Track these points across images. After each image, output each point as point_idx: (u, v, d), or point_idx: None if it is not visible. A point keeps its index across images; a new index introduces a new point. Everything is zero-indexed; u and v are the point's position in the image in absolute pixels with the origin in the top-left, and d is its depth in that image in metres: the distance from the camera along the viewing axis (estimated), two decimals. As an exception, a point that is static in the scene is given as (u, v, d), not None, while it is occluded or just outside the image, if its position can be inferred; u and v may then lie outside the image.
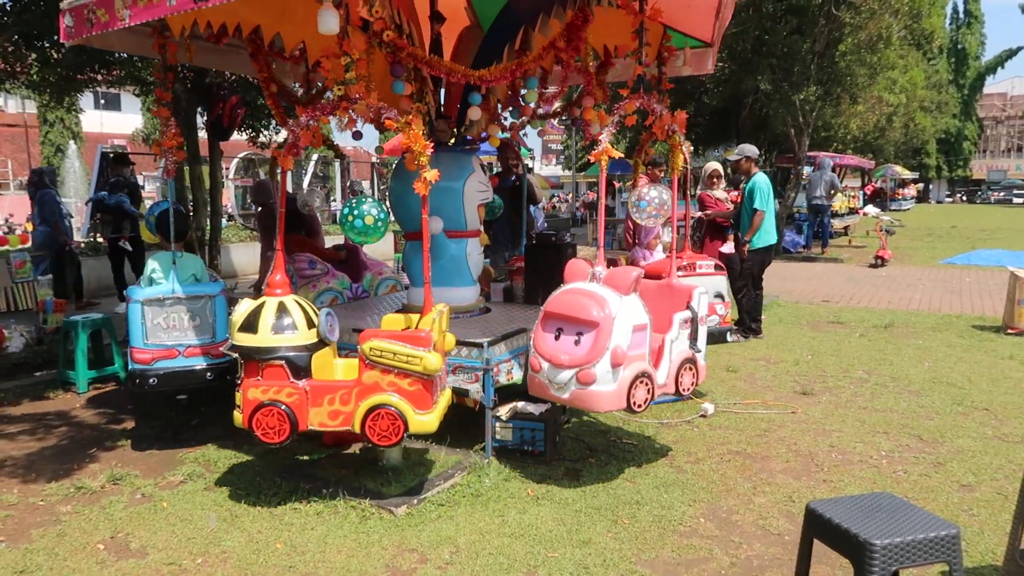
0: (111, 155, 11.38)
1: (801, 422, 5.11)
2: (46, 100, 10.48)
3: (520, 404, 4.52)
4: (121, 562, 3.29)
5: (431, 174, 3.67)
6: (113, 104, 34.36)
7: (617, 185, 24.71)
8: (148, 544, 3.46)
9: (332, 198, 20.15)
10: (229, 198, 18.06)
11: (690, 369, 4.32)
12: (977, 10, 54.74)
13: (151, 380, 4.57)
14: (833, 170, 17.49)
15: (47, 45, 7.85)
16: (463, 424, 4.63)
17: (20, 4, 7.67)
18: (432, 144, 3.75)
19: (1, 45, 7.89)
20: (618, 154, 4.18)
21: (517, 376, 4.59)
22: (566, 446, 4.61)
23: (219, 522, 3.66)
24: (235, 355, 3.91)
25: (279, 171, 3.95)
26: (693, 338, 4.36)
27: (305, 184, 19.10)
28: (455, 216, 5.08)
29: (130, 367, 4.65)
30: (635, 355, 3.90)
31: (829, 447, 4.65)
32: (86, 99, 25.59)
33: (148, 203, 11.25)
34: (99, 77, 8.99)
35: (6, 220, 23.74)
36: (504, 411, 4.47)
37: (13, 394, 5.91)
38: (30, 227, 22.91)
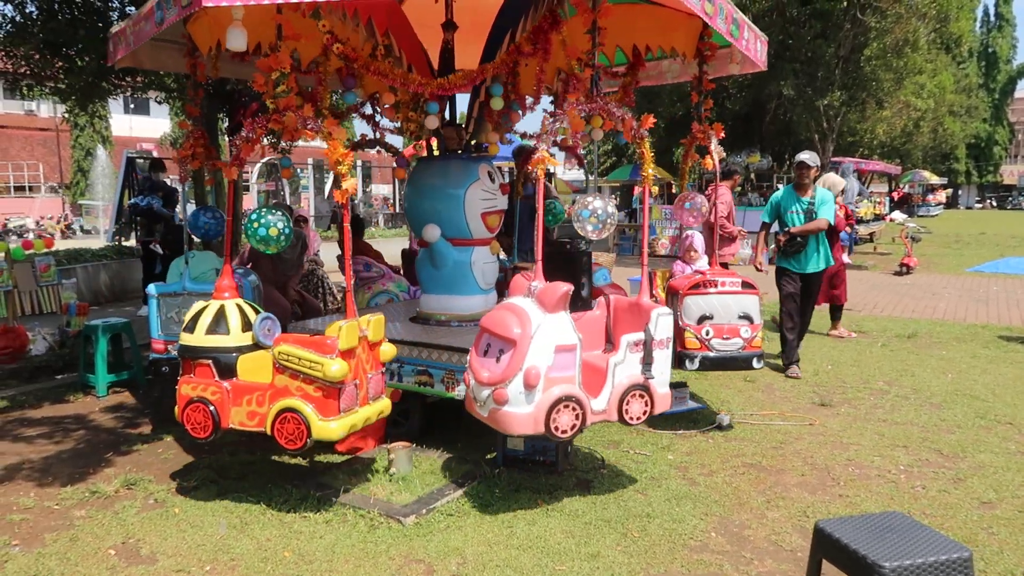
0: (146, 160, 11.52)
1: (818, 435, 5.04)
2: (71, 107, 10.64)
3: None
4: (131, 568, 3.32)
5: (349, 183, 3.80)
6: (142, 109, 34.90)
7: (636, 192, 24.60)
8: (158, 550, 3.48)
9: (353, 201, 20.25)
10: (252, 202, 18.25)
11: (641, 396, 3.88)
12: (1009, 13, 53.90)
13: (163, 368, 4.91)
14: (856, 175, 17.31)
15: (72, 52, 7.98)
16: (474, 433, 4.62)
17: (45, 13, 7.80)
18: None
19: (27, 52, 8.03)
20: (555, 163, 4.17)
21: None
22: (577, 456, 4.58)
23: (229, 529, 3.67)
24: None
25: (227, 182, 4.23)
26: (646, 363, 3.90)
27: (327, 190, 19.24)
28: (457, 223, 5.09)
29: (150, 356, 5.05)
30: (558, 377, 3.65)
31: (846, 461, 4.57)
32: (116, 104, 26.10)
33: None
34: (123, 84, 9.10)
35: (38, 223, 24.22)
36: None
37: (35, 397, 6.00)
38: (61, 229, 23.37)
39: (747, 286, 5.10)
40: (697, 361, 5.02)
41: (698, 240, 6.02)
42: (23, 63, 8.27)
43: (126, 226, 11.49)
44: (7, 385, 6.28)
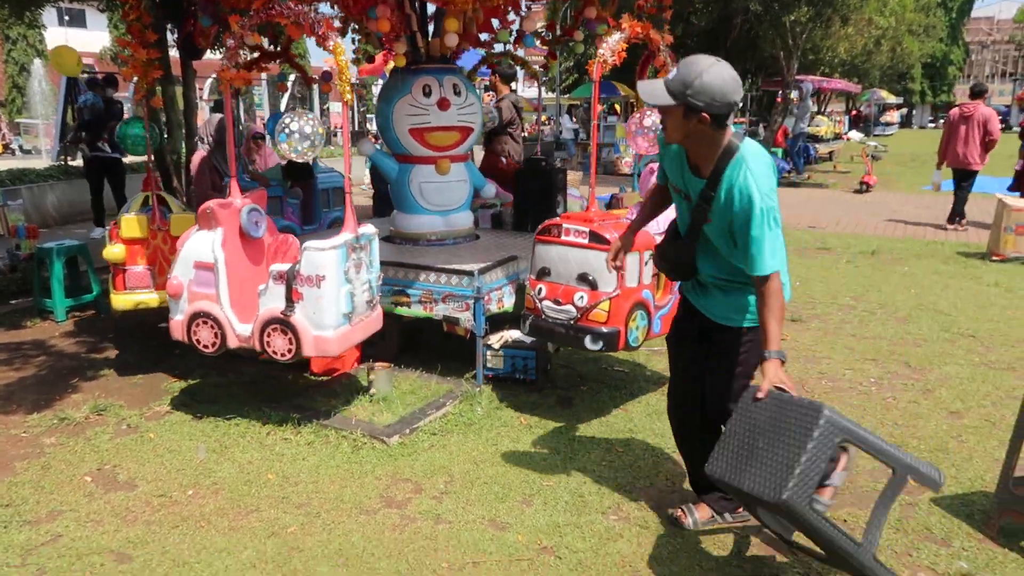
0: (90, 76, 10.88)
1: (790, 349, 5.10)
2: (4, 15, 9.91)
3: (511, 332, 4.45)
4: (110, 494, 3.24)
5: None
6: (78, 20, 32.86)
7: (600, 109, 24.22)
8: (137, 475, 3.40)
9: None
10: (203, 119, 17.50)
11: (284, 333, 3.69)
12: (970, -71, 53.32)
13: None
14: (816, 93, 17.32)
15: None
16: (454, 353, 4.58)
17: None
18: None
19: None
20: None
21: (508, 304, 4.52)
22: (558, 374, 4.58)
23: (208, 453, 3.61)
24: None
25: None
26: (289, 299, 3.66)
27: (283, 106, 18.55)
28: (390, 139, 5.06)
29: None
30: (199, 292, 3.82)
31: (819, 374, 4.66)
32: (49, 15, 24.42)
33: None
34: (60, -10, 8.48)
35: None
36: (495, 339, 4.41)
37: (-12, 323, 5.76)
38: (-3, 150, 22.19)
39: (597, 238, 3.68)
40: (528, 324, 3.96)
41: None
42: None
43: (72, 144, 10.91)
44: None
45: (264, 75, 19.49)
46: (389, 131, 5.04)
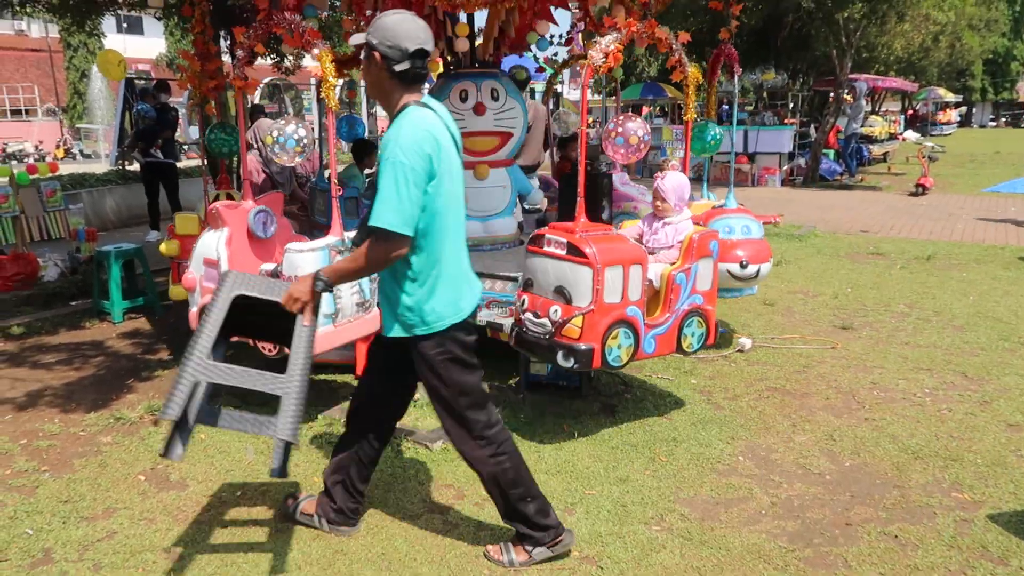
0: (148, 82, 11.24)
1: (841, 358, 5.00)
2: (67, 24, 10.27)
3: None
4: (162, 493, 3.33)
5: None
6: (136, 28, 33.86)
7: (646, 111, 24.01)
8: (188, 476, 3.49)
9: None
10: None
11: None
12: (1035, -81, 51.39)
13: None
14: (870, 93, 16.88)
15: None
16: (496, 359, 4.58)
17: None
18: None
19: (19, -34, 7.69)
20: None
21: (552, 310, 4.50)
22: (601, 381, 4.56)
23: (256, 454, 3.68)
24: None
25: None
26: None
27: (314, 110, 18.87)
28: None
29: None
30: (208, 287, 4.00)
31: (871, 384, 4.55)
32: (108, 23, 25.16)
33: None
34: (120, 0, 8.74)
35: (36, 147, 23.85)
36: (538, 345, 4.39)
37: (51, 323, 5.97)
38: (60, 154, 23.01)
39: (575, 251, 3.50)
40: (513, 336, 3.84)
41: (670, 182, 4.02)
42: (14, -22, 7.94)
43: (128, 150, 11.27)
44: (22, 312, 6.25)
45: (313, 79, 19.85)
46: None
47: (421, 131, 2.42)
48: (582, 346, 3.48)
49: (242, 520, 3.11)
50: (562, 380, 4.35)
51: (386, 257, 2.43)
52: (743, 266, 4.64)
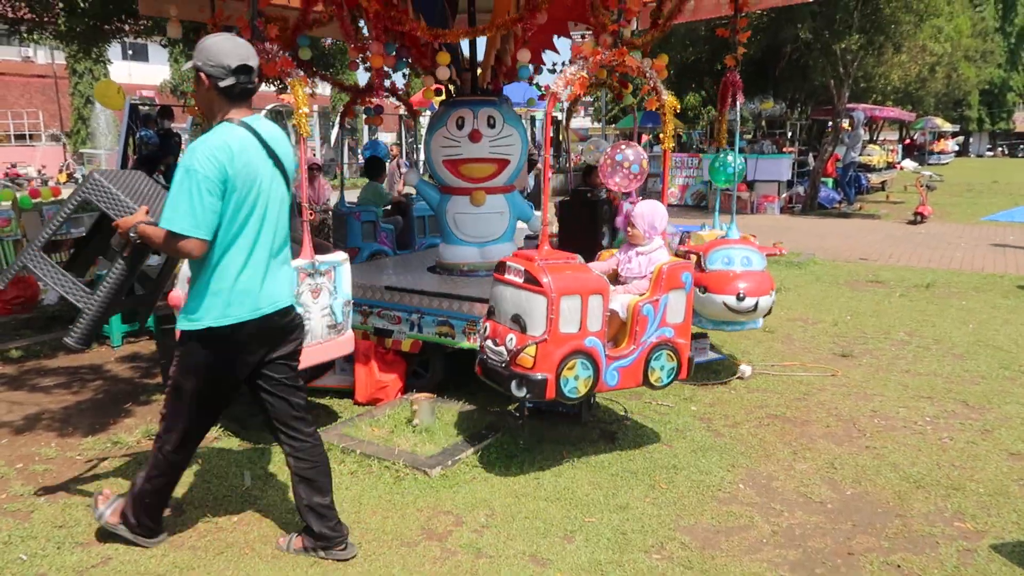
0: (151, 107, 11.34)
1: (841, 385, 4.99)
2: (74, 51, 10.39)
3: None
4: (158, 519, 3.30)
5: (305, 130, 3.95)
6: (141, 55, 34.20)
7: (645, 139, 24.18)
8: (185, 501, 3.46)
9: (359, 150, 20.06)
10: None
11: None
12: (1028, -47, 52.17)
13: None
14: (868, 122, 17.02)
15: (73, -6, 7.74)
16: (496, 384, 4.58)
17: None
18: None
19: (28, -6, 7.80)
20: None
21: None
22: (600, 407, 4.54)
23: (253, 480, 3.66)
24: None
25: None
26: None
27: (333, 137, 19.00)
28: (431, 169, 5.22)
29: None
30: None
31: (871, 412, 4.53)
32: (113, 50, 25.46)
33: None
34: (126, 27, 8.85)
35: (39, 172, 23.99)
36: (538, 371, 4.38)
37: (49, 347, 5.97)
38: (63, 178, 23.15)
39: (531, 279, 3.43)
40: (478, 363, 3.77)
41: (642, 209, 3.98)
42: (22, 5, 8.03)
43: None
44: (21, 335, 6.25)
45: (316, 106, 20.06)
46: (429, 162, 5.23)
47: (219, 143, 2.59)
48: (535, 376, 3.40)
49: (239, 545, 3.08)
50: (561, 406, 4.33)
51: (176, 253, 2.70)
52: (740, 298, 4.50)
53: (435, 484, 3.58)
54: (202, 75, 2.64)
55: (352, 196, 7.26)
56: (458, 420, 4.29)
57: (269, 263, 2.79)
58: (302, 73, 3.95)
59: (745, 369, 5.14)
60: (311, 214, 6.84)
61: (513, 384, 3.45)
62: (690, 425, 4.31)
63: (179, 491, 3.54)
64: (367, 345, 4.68)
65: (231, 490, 3.56)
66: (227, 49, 2.63)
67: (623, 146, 4.17)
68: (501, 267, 3.68)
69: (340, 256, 4.07)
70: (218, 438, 4.16)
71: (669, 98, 4.05)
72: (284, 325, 2.88)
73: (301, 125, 3.87)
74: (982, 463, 3.83)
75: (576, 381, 3.47)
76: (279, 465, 3.80)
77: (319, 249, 6.58)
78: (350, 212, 6.40)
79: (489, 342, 3.63)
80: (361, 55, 4.99)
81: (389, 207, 7.37)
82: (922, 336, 6.15)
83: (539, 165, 6.88)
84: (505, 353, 3.48)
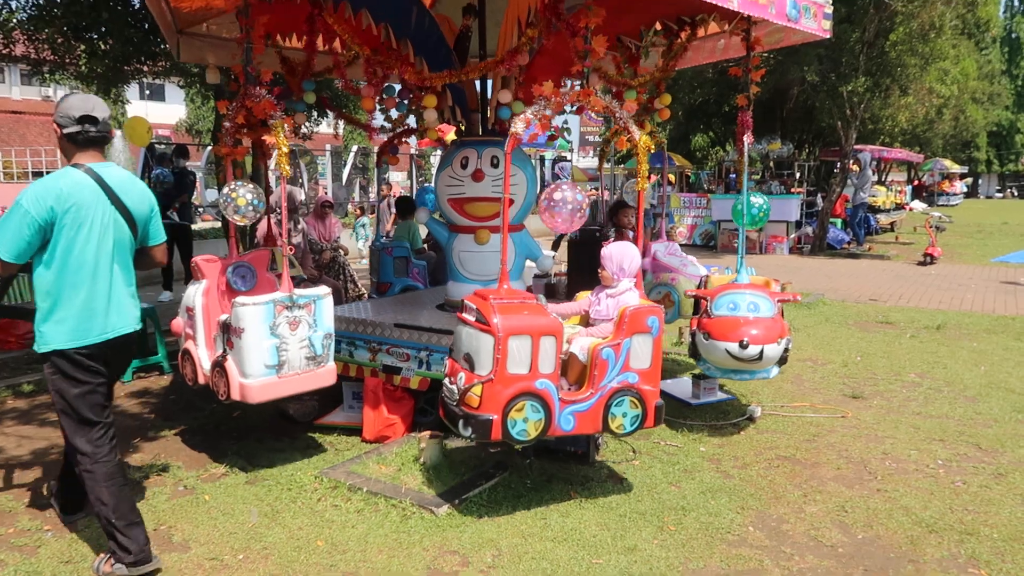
0: (168, 146, 11.56)
1: (852, 427, 4.95)
2: (94, 91, 10.61)
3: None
4: (164, 555, 3.29)
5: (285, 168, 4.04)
6: (158, 95, 34.89)
7: (652, 179, 24.35)
8: (190, 537, 3.46)
9: (371, 189, 20.27)
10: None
11: (221, 375, 3.98)
12: (1033, -3, 52.84)
13: None
14: (876, 163, 17.11)
15: (95, 37, 7.94)
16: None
17: (69, -4, 7.77)
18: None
19: (50, 36, 8.00)
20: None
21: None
22: (608, 447, 4.52)
23: (260, 517, 3.65)
24: None
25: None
26: (225, 346, 3.99)
27: (345, 175, 19.22)
28: (439, 207, 5.38)
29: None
30: (189, 333, 4.44)
31: (882, 454, 4.49)
32: (131, 90, 26.01)
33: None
34: (145, 68, 9.06)
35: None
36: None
37: (60, 382, 5.99)
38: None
39: (481, 318, 3.41)
40: (439, 401, 3.75)
41: (611, 250, 3.95)
42: (45, 47, 8.25)
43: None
44: (33, 369, 6.28)
45: (328, 146, 20.34)
46: (438, 201, 5.36)
47: (50, 186, 2.95)
48: (481, 416, 3.34)
49: (243, 585, 3.06)
50: (570, 445, 4.31)
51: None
52: (743, 346, 4.36)
53: (442, 523, 3.55)
54: (55, 125, 3.07)
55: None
56: (466, 458, 4.27)
57: (110, 294, 3.16)
58: (283, 115, 4.11)
59: (754, 410, 5.11)
60: (290, 249, 7.02)
61: (460, 423, 3.41)
62: (699, 466, 4.28)
63: (184, 528, 3.55)
64: (375, 382, 4.69)
65: (237, 527, 3.55)
66: (75, 103, 3.06)
67: (564, 186, 3.97)
68: (462, 306, 3.63)
69: (322, 290, 4.13)
70: (225, 474, 4.16)
71: (642, 137, 3.89)
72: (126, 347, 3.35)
73: (282, 165, 3.97)
74: (996, 507, 3.78)
75: (525, 423, 3.40)
76: (286, 502, 3.79)
77: (325, 283, 6.72)
78: (383, 248, 6.67)
79: (447, 380, 3.62)
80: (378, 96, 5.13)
81: (425, 245, 7.72)
82: (933, 378, 6.11)
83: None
84: (456, 392, 3.45)
